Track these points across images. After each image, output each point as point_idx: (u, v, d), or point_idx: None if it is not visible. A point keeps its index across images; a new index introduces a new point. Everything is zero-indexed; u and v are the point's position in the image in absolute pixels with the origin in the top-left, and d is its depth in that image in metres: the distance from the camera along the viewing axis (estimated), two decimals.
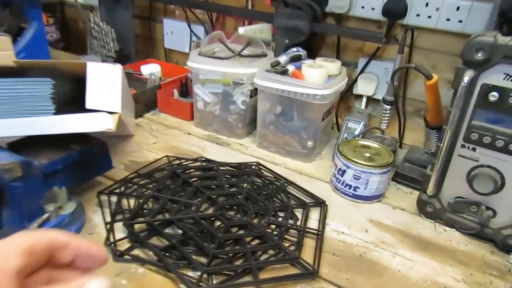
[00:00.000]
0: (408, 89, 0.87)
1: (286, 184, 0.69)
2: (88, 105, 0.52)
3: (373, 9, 0.82)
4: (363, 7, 0.83)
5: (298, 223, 0.60)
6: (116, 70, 0.55)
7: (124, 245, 0.54)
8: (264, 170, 0.73)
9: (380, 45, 0.84)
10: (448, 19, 0.76)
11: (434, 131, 0.71)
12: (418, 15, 0.78)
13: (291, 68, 0.77)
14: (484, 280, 0.53)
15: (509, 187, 0.55)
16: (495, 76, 0.52)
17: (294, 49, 0.83)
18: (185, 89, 0.99)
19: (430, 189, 0.61)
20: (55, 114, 0.54)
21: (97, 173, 0.61)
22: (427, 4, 0.77)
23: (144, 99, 0.94)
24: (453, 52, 0.79)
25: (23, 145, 0.54)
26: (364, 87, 0.87)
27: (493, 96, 0.53)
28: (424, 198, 0.63)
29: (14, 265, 0.23)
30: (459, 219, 0.61)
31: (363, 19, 0.85)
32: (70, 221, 0.55)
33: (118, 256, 0.52)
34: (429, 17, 0.77)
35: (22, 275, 0.24)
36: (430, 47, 0.82)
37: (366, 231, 0.60)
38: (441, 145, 0.58)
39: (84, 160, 0.56)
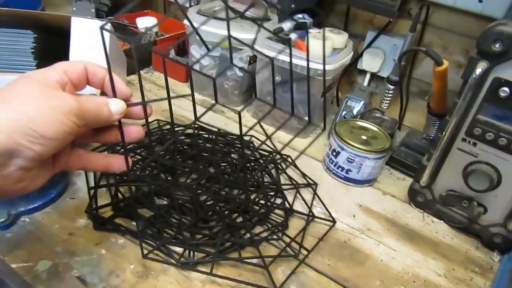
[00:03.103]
0: (415, 68, 0.83)
1: (278, 160, 0.68)
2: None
3: None
4: None
5: (287, 202, 0.59)
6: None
7: (107, 213, 0.53)
8: (258, 143, 0.71)
9: (391, 19, 0.79)
10: None
11: (436, 118, 0.68)
12: None
13: (294, 37, 0.72)
14: (465, 276, 0.53)
15: (504, 186, 0.54)
16: (509, 71, 0.49)
17: (300, 15, 0.78)
18: (182, 48, 0.94)
19: (424, 179, 0.59)
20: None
21: None
22: None
23: (137, 55, 0.89)
24: (468, 34, 0.75)
25: None
26: (369, 62, 0.83)
27: (504, 91, 0.49)
28: (416, 187, 0.62)
29: (53, 77, 0.32)
30: (449, 212, 0.60)
31: None
32: (52, 183, 0.53)
33: (100, 224, 0.51)
34: None
35: (66, 86, 0.33)
36: (445, 26, 0.76)
37: (354, 216, 0.59)
38: (442, 136, 0.56)
39: None
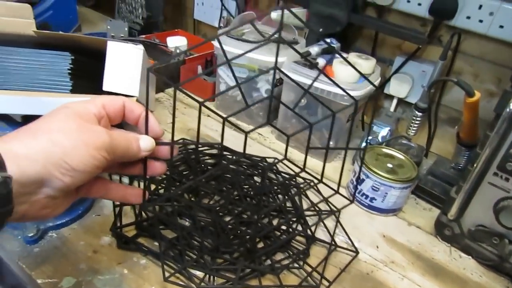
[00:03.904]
0: (444, 95, 0.81)
1: (301, 185, 0.67)
2: (105, 88, 0.50)
3: (419, 4, 0.75)
4: (408, 1, 0.76)
5: (309, 229, 0.58)
6: (137, 51, 0.53)
7: (131, 231, 0.53)
8: (282, 166, 0.71)
9: (420, 46, 0.78)
10: (501, 26, 0.69)
11: (466, 148, 0.67)
12: (468, 17, 0.71)
13: (321, 62, 0.72)
14: None
15: None
16: None
17: (328, 39, 0.78)
18: (210, 67, 0.96)
19: (452, 212, 0.57)
20: (71, 91, 0.53)
21: None
22: (480, 7, 0.70)
23: (166, 73, 0.91)
24: (501, 63, 0.73)
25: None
26: (396, 88, 0.82)
27: None
28: (443, 220, 0.60)
29: (92, 110, 0.34)
30: (478, 247, 0.58)
31: (406, 14, 0.79)
32: (79, 200, 0.54)
33: (123, 243, 0.51)
34: (481, 21, 0.70)
35: (102, 119, 0.35)
36: (476, 54, 0.75)
37: (377, 247, 0.58)
38: (472, 169, 0.54)
39: None
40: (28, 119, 0.53)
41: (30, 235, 0.49)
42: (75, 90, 0.53)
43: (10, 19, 0.50)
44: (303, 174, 0.68)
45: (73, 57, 0.53)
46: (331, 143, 0.75)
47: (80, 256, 0.49)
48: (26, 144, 0.30)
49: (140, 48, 0.53)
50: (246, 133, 0.43)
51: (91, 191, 0.37)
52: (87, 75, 0.54)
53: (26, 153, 0.30)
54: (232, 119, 0.85)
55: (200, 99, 0.37)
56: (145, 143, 0.36)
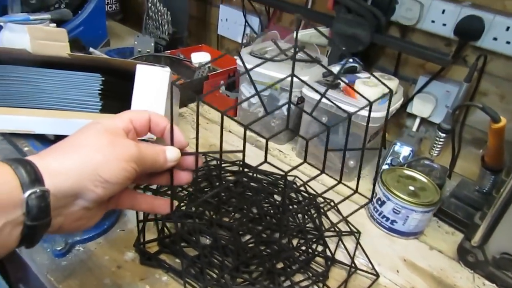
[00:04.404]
0: (469, 115, 0.80)
1: (321, 204, 0.67)
2: (133, 108, 0.52)
3: (444, 25, 0.75)
4: (433, 21, 0.76)
5: (329, 250, 0.58)
6: (164, 74, 0.55)
7: (154, 248, 0.55)
8: (302, 185, 0.71)
9: (444, 67, 0.77)
10: None
11: (491, 172, 0.65)
12: (495, 38, 0.70)
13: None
14: None
15: None
16: None
17: (350, 59, 0.78)
18: (232, 83, 0.97)
19: (476, 239, 0.56)
20: (101, 110, 0.55)
21: None
22: (508, 28, 0.69)
23: (190, 89, 0.93)
24: None
25: None
26: (419, 107, 0.81)
27: None
28: (466, 246, 0.59)
29: (120, 125, 0.36)
30: (502, 276, 0.56)
31: (431, 34, 0.78)
32: (105, 214, 0.56)
33: (146, 259, 0.53)
34: (508, 42, 0.69)
35: (130, 132, 0.36)
36: (502, 75, 0.74)
37: (398, 271, 0.57)
38: (497, 196, 0.53)
39: None
40: (60, 138, 0.56)
41: (58, 248, 0.51)
42: (104, 110, 0.55)
43: (47, 42, 0.53)
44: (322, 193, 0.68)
45: (103, 78, 0.55)
46: (352, 162, 0.75)
47: (104, 271, 0.50)
48: (61, 160, 0.32)
49: (166, 71, 0.55)
50: (267, 139, 0.43)
51: (120, 202, 0.39)
52: (117, 95, 0.57)
53: (61, 169, 0.32)
54: (253, 134, 0.86)
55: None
56: (171, 153, 0.38)
